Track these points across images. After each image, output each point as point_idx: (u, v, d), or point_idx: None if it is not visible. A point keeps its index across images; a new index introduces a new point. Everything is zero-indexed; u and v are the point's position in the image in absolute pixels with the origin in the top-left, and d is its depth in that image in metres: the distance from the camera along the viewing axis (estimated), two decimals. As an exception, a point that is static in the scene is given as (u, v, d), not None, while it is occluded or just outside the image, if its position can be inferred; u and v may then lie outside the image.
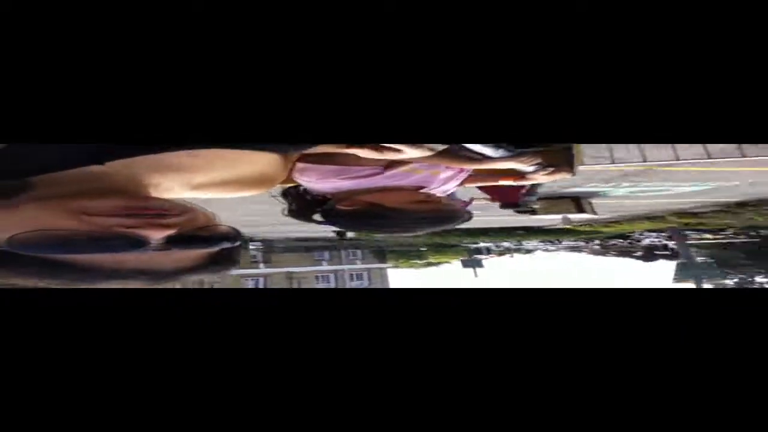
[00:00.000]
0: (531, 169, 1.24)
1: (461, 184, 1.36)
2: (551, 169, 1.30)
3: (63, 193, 0.55)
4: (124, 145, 0.60)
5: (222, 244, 0.60)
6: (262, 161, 0.78)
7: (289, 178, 1.06)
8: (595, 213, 9.72)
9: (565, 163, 1.36)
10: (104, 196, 0.55)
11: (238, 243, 0.63)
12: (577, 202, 9.18)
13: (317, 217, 1.13)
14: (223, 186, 0.76)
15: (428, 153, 0.92)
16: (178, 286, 0.58)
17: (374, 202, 1.09)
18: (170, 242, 0.54)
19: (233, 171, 0.75)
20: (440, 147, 0.95)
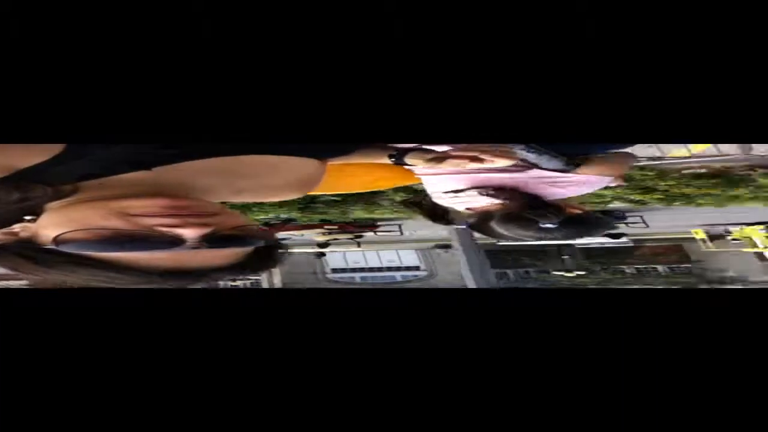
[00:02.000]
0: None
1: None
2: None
3: (108, 195, 0.58)
4: (170, 151, 0.63)
5: (255, 244, 0.61)
6: (301, 166, 0.80)
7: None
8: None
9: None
10: (145, 197, 0.57)
11: (271, 244, 0.64)
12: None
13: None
14: (264, 190, 0.78)
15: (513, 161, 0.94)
16: (206, 285, 0.60)
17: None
18: (205, 241, 0.55)
19: (274, 176, 0.77)
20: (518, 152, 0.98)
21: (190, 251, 0.55)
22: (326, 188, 1.05)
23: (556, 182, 1.17)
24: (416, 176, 1.26)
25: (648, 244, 12.27)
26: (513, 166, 1.10)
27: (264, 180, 0.76)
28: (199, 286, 0.59)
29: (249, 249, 0.61)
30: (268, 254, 0.63)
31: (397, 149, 0.98)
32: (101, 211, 0.55)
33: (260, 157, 0.72)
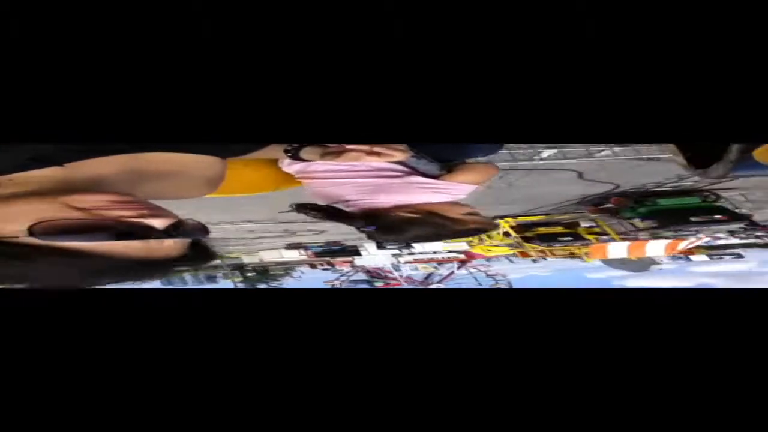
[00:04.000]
0: None
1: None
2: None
3: (45, 189, 0.56)
4: (82, 148, 0.62)
5: (199, 237, 0.63)
6: (208, 165, 0.80)
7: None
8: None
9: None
10: (94, 192, 0.57)
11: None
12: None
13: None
14: (173, 188, 0.77)
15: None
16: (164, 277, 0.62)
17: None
18: (172, 230, 0.58)
19: (182, 173, 0.76)
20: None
21: (158, 241, 0.57)
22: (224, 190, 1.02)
23: (424, 188, 1.26)
24: (297, 180, 1.29)
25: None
26: (393, 171, 1.20)
27: (172, 178, 0.75)
28: (160, 277, 0.61)
29: (188, 241, 0.63)
30: (205, 248, 0.66)
31: (293, 144, 0.96)
32: (53, 206, 0.54)
33: (168, 154, 0.72)
